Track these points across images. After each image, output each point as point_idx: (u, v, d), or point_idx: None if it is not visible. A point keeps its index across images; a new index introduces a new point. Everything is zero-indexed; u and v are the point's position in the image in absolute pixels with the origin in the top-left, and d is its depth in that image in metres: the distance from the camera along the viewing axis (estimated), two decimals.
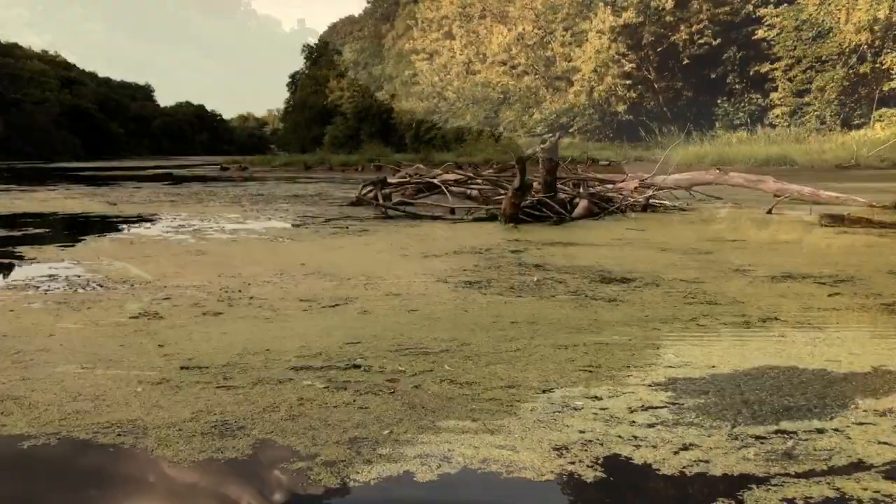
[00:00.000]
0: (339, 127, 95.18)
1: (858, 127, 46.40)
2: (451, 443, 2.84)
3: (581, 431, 2.94)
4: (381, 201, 12.64)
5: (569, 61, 54.43)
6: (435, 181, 13.75)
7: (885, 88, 45.98)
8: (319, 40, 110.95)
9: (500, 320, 4.80)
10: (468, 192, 14.69)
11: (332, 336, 4.41)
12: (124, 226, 11.13)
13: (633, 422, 3.04)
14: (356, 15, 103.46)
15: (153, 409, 3.19)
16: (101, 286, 6.08)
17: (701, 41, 53.11)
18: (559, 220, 11.04)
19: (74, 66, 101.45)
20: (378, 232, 10.10)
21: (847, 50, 46.96)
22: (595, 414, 3.13)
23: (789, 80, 50.31)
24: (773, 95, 51.11)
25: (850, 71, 47.51)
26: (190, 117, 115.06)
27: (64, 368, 3.77)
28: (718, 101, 54.04)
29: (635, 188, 14.43)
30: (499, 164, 18.69)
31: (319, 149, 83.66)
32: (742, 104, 53.72)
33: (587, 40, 52.71)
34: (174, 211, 13.66)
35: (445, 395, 3.36)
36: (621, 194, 13.77)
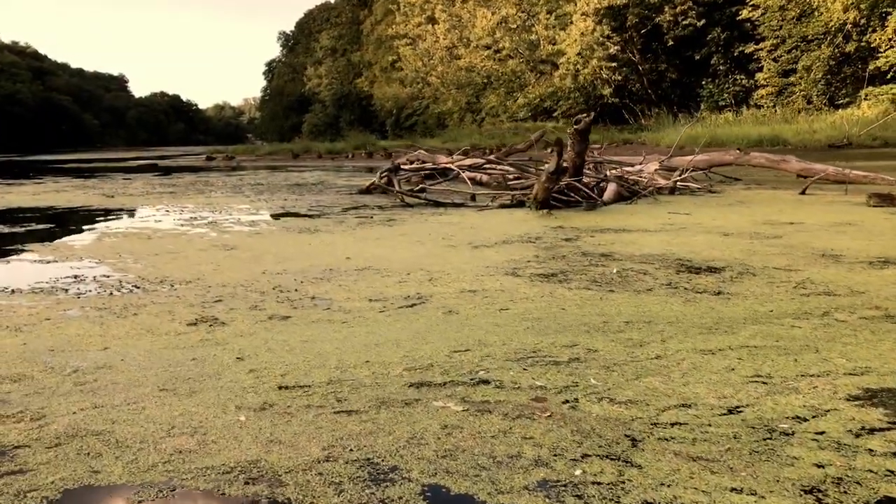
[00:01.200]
0: (318, 115, 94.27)
1: (844, 106, 46.17)
2: (668, 485, 2.28)
3: (818, 465, 2.39)
4: (398, 188, 12.02)
5: (553, 44, 53.77)
6: (453, 166, 13.14)
7: (871, 67, 45.71)
8: (295, 27, 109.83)
9: (611, 320, 4.24)
10: (479, 177, 14.12)
11: (431, 342, 3.83)
12: (131, 219, 10.46)
13: (871, 450, 2.49)
14: (332, 1, 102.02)
15: (272, 446, 2.60)
16: (138, 287, 5.46)
17: (685, 22, 52.58)
18: (592, 206, 10.49)
19: (46, 56, 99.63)
20: (406, 221, 9.50)
21: (833, 29, 46.65)
22: (815, 440, 2.58)
23: (774, 60, 49.98)
24: (759, 76, 50.75)
25: (836, 50, 47.25)
26: (165, 107, 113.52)
27: (139, 391, 3.17)
28: (703, 83, 53.70)
29: (655, 170, 13.90)
30: (506, 148, 18.14)
31: (298, 137, 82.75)
32: (727, 85, 53.34)
33: (571, 23, 52.02)
34: (178, 202, 12.98)
35: (615, 419, 2.80)
36: (642, 177, 13.24)
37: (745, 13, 49.83)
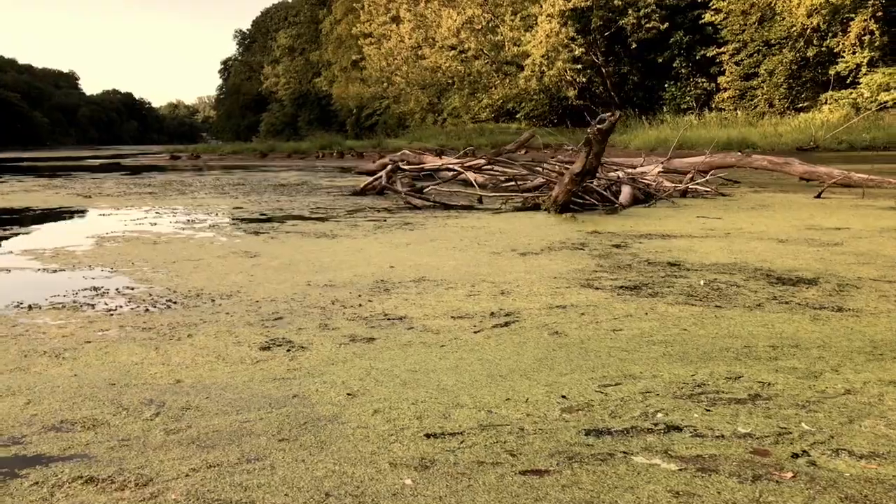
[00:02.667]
0: (276, 114, 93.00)
1: (806, 110, 46.55)
2: None
3: None
4: (402, 189, 11.41)
5: (518, 46, 53.40)
6: (457, 167, 12.57)
7: (832, 72, 46.07)
8: (252, 25, 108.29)
9: (750, 343, 3.71)
10: (475, 178, 13.58)
11: (565, 373, 3.27)
12: (122, 222, 9.70)
13: None
14: (290, 0, 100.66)
15: None
16: (174, 302, 4.81)
17: (648, 25, 52.58)
18: (612, 209, 10.00)
19: None
20: (426, 225, 8.91)
21: (794, 33, 46.97)
22: None
23: (736, 63, 50.24)
24: (721, 79, 50.97)
25: (797, 54, 47.62)
26: (118, 105, 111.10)
27: (254, 443, 2.56)
28: (666, 86, 53.84)
29: (659, 172, 13.48)
30: (495, 149, 17.65)
31: (255, 136, 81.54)
32: (688, 88, 53.59)
33: (536, 24, 51.70)
34: (164, 204, 12.22)
35: (876, 479, 2.26)
36: (646, 179, 12.81)
37: (707, 17, 50.01)
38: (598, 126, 9.30)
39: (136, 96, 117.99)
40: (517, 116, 58.00)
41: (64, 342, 3.88)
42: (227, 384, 3.20)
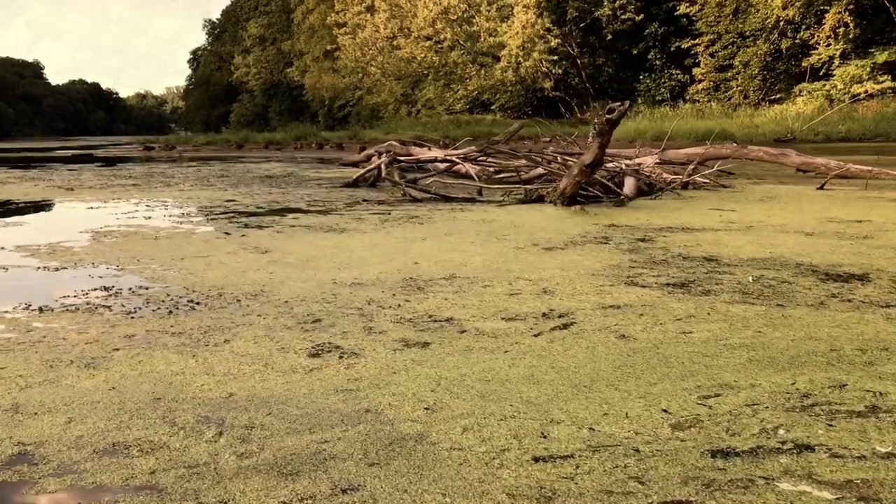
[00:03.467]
0: (247, 104, 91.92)
1: (779, 102, 46.77)
2: None
3: None
4: (402, 182, 11.09)
5: (493, 36, 53.07)
6: (455, 158, 12.27)
7: (805, 64, 46.21)
8: (222, 15, 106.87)
9: (835, 346, 3.46)
10: (464, 169, 13.29)
11: (655, 383, 3.00)
12: (115, 216, 9.28)
13: None
14: None
15: None
16: (197, 303, 4.48)
17: (624, 17, 52.48)
18: (620, 201, 9.75)
19: None
20: (433, 219, 8.61)
21: (769, 25, 47.07)
22: None
23: (711, 55, 50.32)
24: (696, 71, 51.03)
25: (772, 46, 47.77)
26: (84, 95, 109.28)
27: (351, 471, 2.26)
28: (640, 77, 53.79)
29: (655, 164, 13.27)
30: (487, 140, 17.36)
31: (225, 127, 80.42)
32: (663, 80, 53.60)
33: (513, 14, 51.39)
34: (152, 196, 11.82)
35: None
36: (644, 171, 12.59)
37: (682, 8, 50.02)
38: (608, 116, 9.04)
39: (104, 87, 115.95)
40: (492, 108, 57.74)
41: (90, 349, 3.55)
42: (286, 397, 2.90)
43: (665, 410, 2.70)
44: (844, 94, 43.09)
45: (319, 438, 2.49)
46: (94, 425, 2.62)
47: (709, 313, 4.09)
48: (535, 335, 3.72)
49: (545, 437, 2.49)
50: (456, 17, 53.58)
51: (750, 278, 4.99)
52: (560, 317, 4.07)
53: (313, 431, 2.55)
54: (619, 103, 9.04)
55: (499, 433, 2.52)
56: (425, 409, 2.75)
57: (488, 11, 53.04)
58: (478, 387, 2.98)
